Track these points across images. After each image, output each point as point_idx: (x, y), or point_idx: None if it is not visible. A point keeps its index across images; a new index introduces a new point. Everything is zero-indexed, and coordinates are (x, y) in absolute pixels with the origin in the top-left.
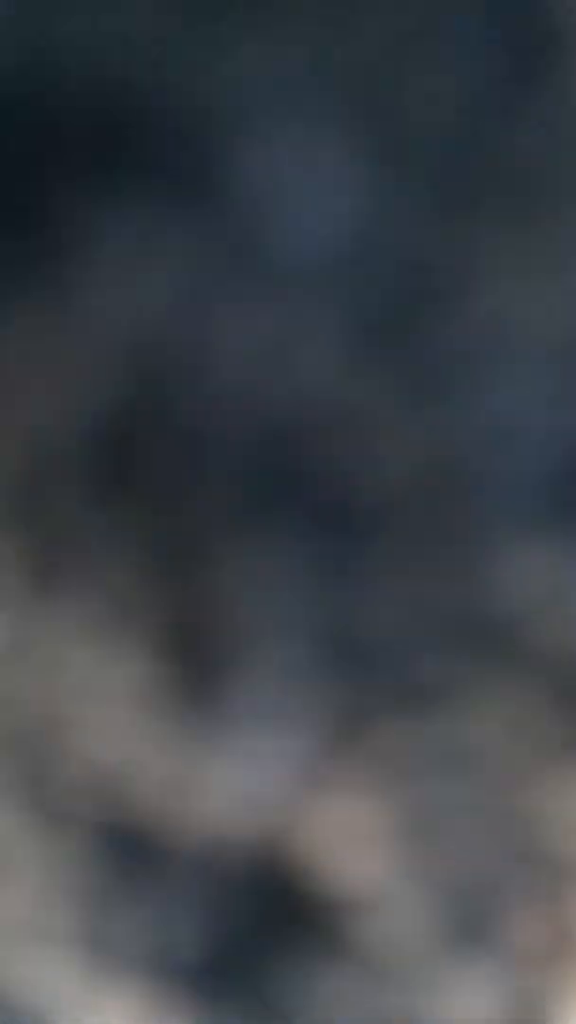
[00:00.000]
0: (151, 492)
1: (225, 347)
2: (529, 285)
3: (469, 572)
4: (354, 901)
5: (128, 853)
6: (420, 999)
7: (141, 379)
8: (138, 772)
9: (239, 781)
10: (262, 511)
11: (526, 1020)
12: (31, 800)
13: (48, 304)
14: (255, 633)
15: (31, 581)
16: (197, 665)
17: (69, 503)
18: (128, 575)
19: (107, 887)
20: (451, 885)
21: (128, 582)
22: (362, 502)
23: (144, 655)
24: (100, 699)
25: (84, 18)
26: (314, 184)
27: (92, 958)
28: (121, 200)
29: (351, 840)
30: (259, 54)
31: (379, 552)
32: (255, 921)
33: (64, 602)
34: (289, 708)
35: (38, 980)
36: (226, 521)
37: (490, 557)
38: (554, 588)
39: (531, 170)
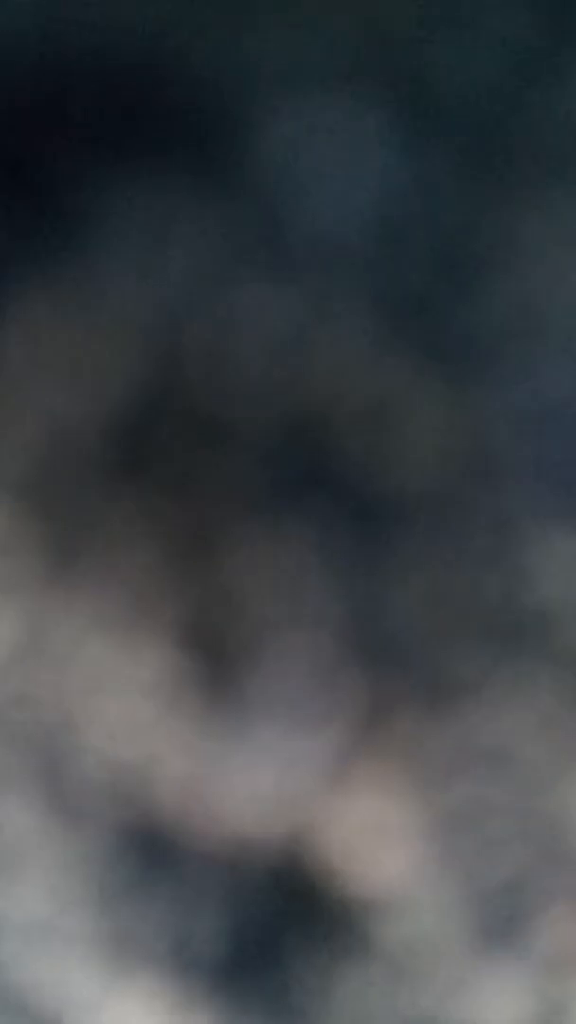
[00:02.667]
0: (171, 480)
1: (247, 330)
2: (569, 261)
3: (501, 563)
4: (379, 901)
5: (147, 851)
6: (446, 1002)
7: (160, 364)
8: (157, 769)
9: (261, 778)
10: (285, 500)
11: None
12: (48, 797)
13: (64, 287)
14: (277, 626)
15: (46, 572)
16: (217, 659)
17: (85, 491)
18: (147, 566)
19: (126, 886)
20: (479, 886)
21: (147, 573)
22: (389, 490)
23: (163, 648)
24: (117, 694)
25: None
26: (341, 159)
27: (111, 958)
28: (138, 178)
29: (375, 839)
30: (280, 23)
31: (407, 542)
32: (277, 921)
33: (80, 594)
34: (313, 703)
35: (56, 980)
36: (248, 510)
37: (523, 548)
38: None
39: (569, 139)
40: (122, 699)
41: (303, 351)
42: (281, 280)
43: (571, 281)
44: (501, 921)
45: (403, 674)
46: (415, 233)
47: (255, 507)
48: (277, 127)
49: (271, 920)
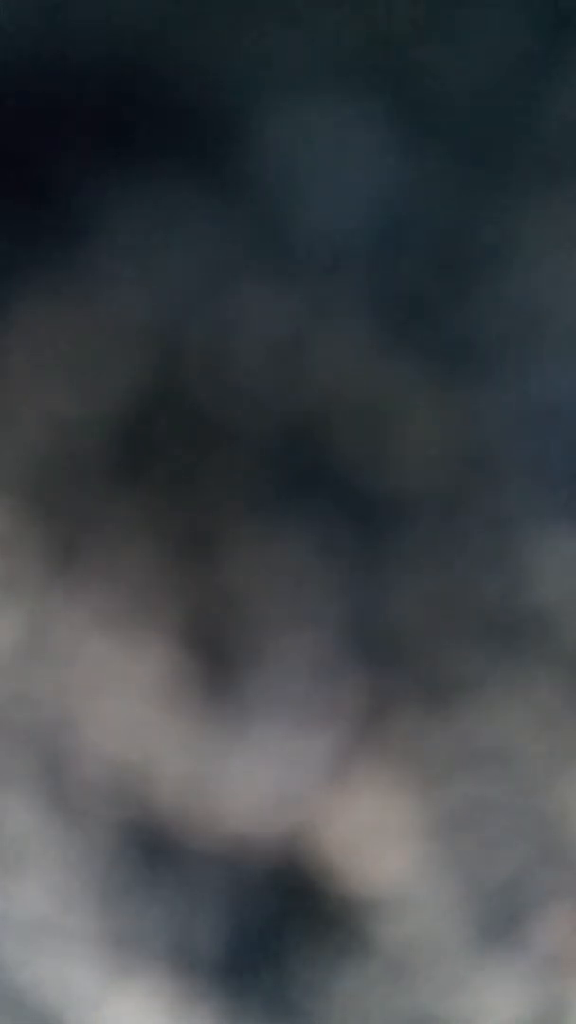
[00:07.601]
0: (171, 481)
1: (246, 331)
2: (566, 263)
3: (500, 563)
4: (378, 900)
5: (148, 850)
6: (445, 1000)
7: (160, 366)
8: (157, 767)
9: (261, 777)
10: (285, 500)
11: (555, 1023)
12: (49, 796)
13: (65, 290)
14: (277, 625)
15: (47, 572)
16: (217, 658)
17: (86, 491)
18: (147, 566)
19: (127, 884)
20: (478, 884)
21: (147, 573)
22: (389, 490)
23: (163, 648)
24: (118, 692)
25: None
26: (339, 161)
27: (111, 956)
28: (137, 181)
29: (375, 838)
30: (280, 26)
31: (407, 542)
32: (277, 919)
33: (81, 593)
34: (312, 702)
35: (57, 978)
36: (248, 510)
37: (522, 548)
38: None
39: (566, 142)
40: (123, 698)
41: (303, 352)
42: (281, 282)
43: (570, 282)
44: (500, 920)
45: (403, 674)
46: (414, 234)
47: (255, 507)
48: (277, 128)
49: (271, 918)
